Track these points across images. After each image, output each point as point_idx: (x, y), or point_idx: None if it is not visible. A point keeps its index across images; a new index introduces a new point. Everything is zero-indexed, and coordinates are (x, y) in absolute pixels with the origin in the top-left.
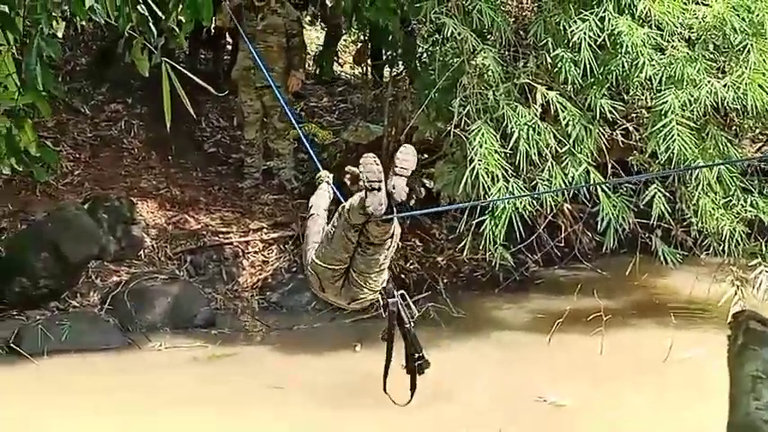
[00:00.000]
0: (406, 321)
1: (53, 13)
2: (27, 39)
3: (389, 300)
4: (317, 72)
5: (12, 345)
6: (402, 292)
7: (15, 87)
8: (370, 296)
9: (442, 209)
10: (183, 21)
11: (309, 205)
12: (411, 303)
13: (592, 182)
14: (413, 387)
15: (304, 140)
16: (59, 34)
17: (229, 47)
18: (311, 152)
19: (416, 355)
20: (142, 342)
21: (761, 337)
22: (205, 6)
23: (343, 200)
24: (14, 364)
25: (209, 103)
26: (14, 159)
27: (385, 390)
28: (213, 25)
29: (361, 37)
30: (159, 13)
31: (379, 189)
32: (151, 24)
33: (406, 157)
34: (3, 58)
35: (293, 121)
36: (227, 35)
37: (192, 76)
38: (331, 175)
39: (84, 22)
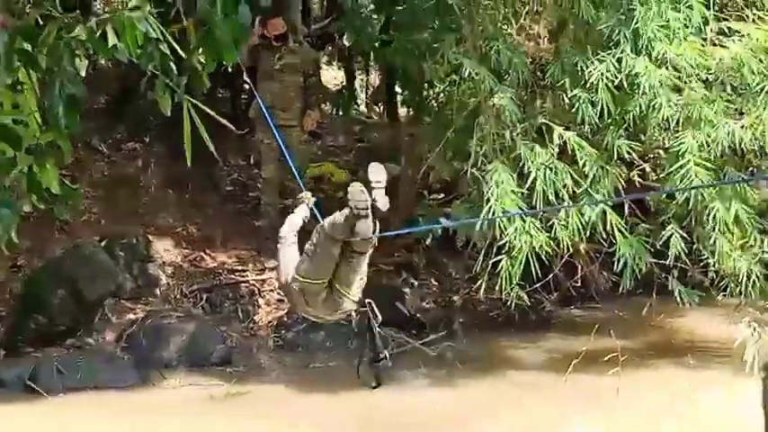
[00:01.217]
0: (374, 327)
1: (76, 51)
2: (46, 77)
3: (362, 307)
4: (337, 111)
5: (28, 382)
6: (369, 300)
7: (37, 125)
8: (350, 306)
9: (417, 229)
10: (205, 61)
11: (280, 233)
12: (377, 311)
13: (609, 222)
14: (378, 381)
15: (285, 154)
16: (82, 73)
17: (247, 86)
18: (295, 171)
19: (381, 354)
20: (157, 380)
21: None
22: (227, 48)
23: (320, 219)
24: (30, 401)
25: (227, 142)
26: (35, 197)
27: (358, 375)
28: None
29: (378, 77)
30: (181, 53)
31: (366, 216)
32: (172, 64)
33: (376, 171)
34: (25, 96)
35: (278, 139)
36: (245, 74)
37: (213, 113)
38: (313, 199)
39: (103, 61)
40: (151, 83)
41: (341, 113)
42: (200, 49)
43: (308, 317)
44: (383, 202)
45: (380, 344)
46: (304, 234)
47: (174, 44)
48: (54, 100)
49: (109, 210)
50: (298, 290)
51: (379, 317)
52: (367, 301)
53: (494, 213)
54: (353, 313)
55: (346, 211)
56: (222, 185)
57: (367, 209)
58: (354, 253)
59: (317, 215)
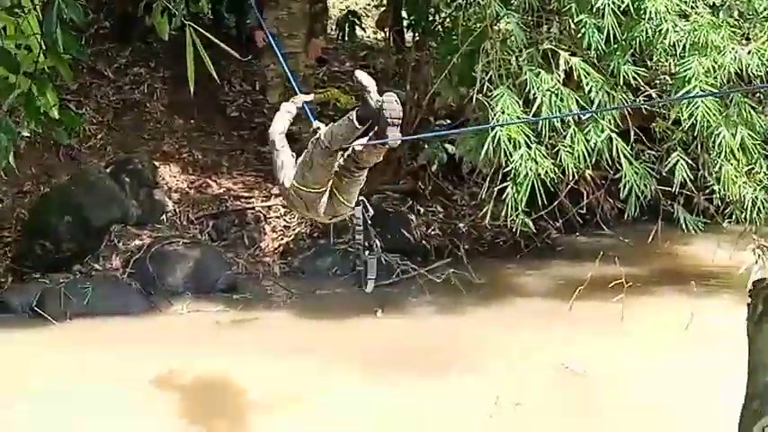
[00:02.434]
0: (367, 221)
1: None
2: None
3: (356, 207)
4: (342, 37)
5: (35, 308)
6: (362, 198)
7: (40, 49)
8: (348, 211)
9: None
10: None
11: (270, 134)
12: (368, 206)
13: (615, 149)
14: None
15: (291, 79)
16: None
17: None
18: (291, 78)
19: (373, 247)
20: (164, 306)
21: None
22: None
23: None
24: (37, 326)
25: (233, 67)
26: (35, 122)
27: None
28: None
29: (384, 1)
30: None
31: (397, 126)
32: None
33: (392, 107)
34: (26, 19)
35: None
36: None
37: (215, 40)
38: (308, 97)
39: None
40: (150, 6)
41: (346, 39)
42: None
43: (306, 218)
44: (395, 137)
45: (373, 237)
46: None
47: None
48: (51, 24)
49: (114, 136)
50: (296, 195)
51: (371, 211)
52: (360, 198)
53: (499, 140)
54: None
55: (345, 120)
56: (228, 111)
57: (400, 119)
58: (358, 168)
59: (309, 115)
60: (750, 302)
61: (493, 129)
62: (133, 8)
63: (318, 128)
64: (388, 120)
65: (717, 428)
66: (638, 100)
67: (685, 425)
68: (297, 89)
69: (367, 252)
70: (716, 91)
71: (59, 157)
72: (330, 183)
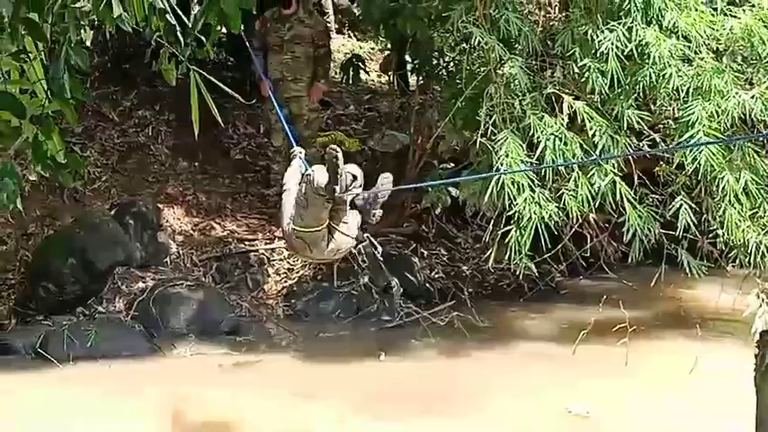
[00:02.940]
0: (378, 258)
1: (81, 22)
2: (55, 46)
3: (361, 243)
4: (347, 80)
5: (38, 349)
6: (367, 234)
7: (44, 94)
8: (349, 242)
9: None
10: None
11: (284, 181)
12: (376, 243)
13: (618, 193)
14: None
15: (278, 112)
16: (88, 42)
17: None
18: (286, 128)
19: (391, 284)
20: (167, 348)
21: None
22: (233, 15)
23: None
24: (40, 369)
25: (237, 111)
26: (41, 166)
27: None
28: (240, 31)
29: (388, 45)
30: (187, 21)
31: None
32: (179, 33)
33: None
34: (30, 66)
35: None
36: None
37: (220, 84)
38: (303, 151)
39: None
40: (156, 53)
41: (350, 82)
42: (206, 17)
43: (311, 261)
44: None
45: (387, 273)
46: None
47: (180, 13)
48: (59, 70)
49: (119, 178)
50: (300, 240)
51: (380, 248)
52: (365, 235)
53: (503, 184)
54: (353, 249)
55: (324, 178)
56: (232, 154)
57: (384, 198)
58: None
59: (305, 166)
60: (758, 353)
61: (496, 173)
62: (136, 51)
63: (310, 174)
64: (379, 196)
65: None
66: (641, 145)
67: None
68: (291, 137)
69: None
70: (719, 138)
71: (64, 199)
72: (327, 220)
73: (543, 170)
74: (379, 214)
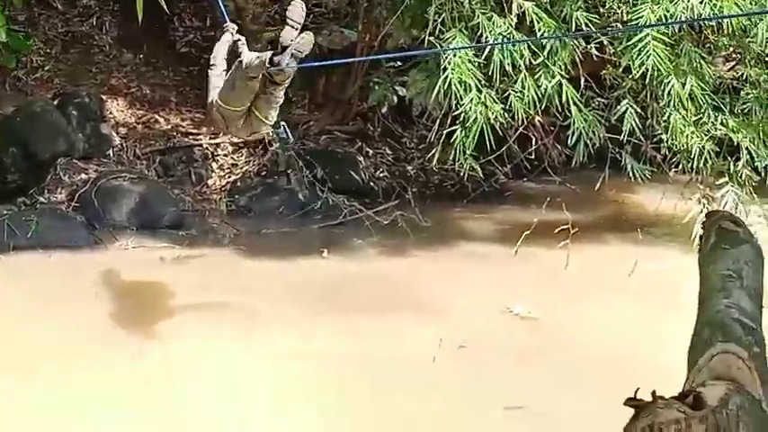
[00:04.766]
0: (290, 145)
1: None
2: None
3: (278, 129)
4: None
5: None
6: (283, 122)
7: None
8: (266, 129)
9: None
10: None
11: (212, 55)
12: (288, 132)
13: (565, 95)
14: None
15: (220, 4)
16: None
17: None
18: (221, 6)
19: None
20: (109, 241)
21: (733, 236)
22: None
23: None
24: None
25: (183, 3)
26: None
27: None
28: None
29: None
30: None
31: (296, 29)
32: None
33: (294, 10)
34: None
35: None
36: None
37: None
38: (235, 27)
39: None
40: None
41: None
42: None
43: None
44: (288, 37)
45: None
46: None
47: None
48: None
49: (62, 68)
50: (218, 114)
51: (291, 138)
52: (281, 122)
53: (450, 83)
54: (270, 133)
55: (263, 55)
56: (178, 47)
57: (299, 23)
58: (272, 84)
59: (224, 15)
60: (703, 233)
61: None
62: None
63: (229, 27)
64: (289, 22)
65: (664, 365)
66: (589, 48)
67: (630, 365)
68: (224, 13)
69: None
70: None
71: (5, 88)
72: (249, 103)
73: (491, 71)
74: (293, 66)
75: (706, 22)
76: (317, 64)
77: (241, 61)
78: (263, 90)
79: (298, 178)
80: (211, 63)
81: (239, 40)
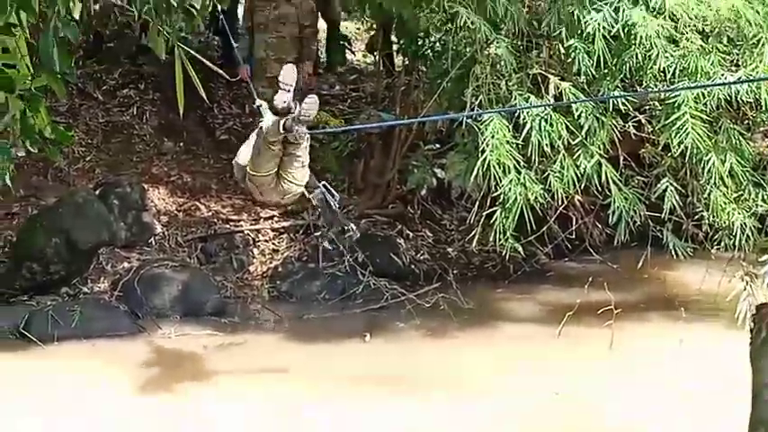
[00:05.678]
0: (333, 205)
1: None
2: (42, 21)
3: (315, 190)
4: (326, 63)
5: (22, 330)
6: (324, 183)
7: (27, 70)
8: (297, 189)
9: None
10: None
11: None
12: (333, 190)
13: (604, 174)
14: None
15: (253, 92)
16: (76, 15)
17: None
18: (253, 91)
19: (345, 229)
20: (152, 329)
21: None
22: None
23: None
24: (24, 349)
25: (223, 91)
26: (29, 141)
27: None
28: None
29: (374, 25)
30: None
31: (288, 90)
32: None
33: (286, 73)
34: (17, 41)
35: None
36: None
37: (206, 62)
38: (264, 103)
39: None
40: (145, 27)
41: (336, 63)
42: None
43: (263, 201)
44: (281, 99)
45: (343, 219)
46: None
47: None
48: (47, 42)
49: (103, 157)
50: (251, 182)
51: (336, 195)
52: (321, 183)
53: (489, 165)
54: (306, 193)
55: (275, 118)
56: (217, 134)
57: (290, 85)
58: (290, 144)
59: (254, 94)
60: (753, 327)
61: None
62: (120, 29)
63: (261, 105)
64: (281, 85)
65: None
66: (627, 126)
67: None
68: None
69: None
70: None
71: (48, 178)
72: (277, 166)
73: (529, 151)
74: (303, 131)
75: (743, 98)
76: (340, 129)
77: (261, 128)
78: (285, 152)
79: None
80: (250, 137)
81: (261, 105)
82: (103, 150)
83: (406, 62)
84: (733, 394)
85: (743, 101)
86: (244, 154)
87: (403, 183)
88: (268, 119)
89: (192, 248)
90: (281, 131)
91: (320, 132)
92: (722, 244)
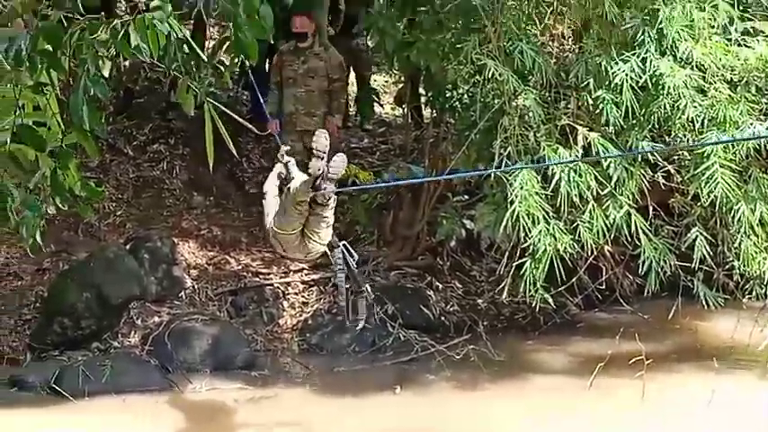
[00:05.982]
0: (351, 265)
1: (99, 53)
2: (72, 79)
3: (335, 249)
4: (357, 117)
5: (53, 385)
6: (344, 242)
7: (59, 127)
8: (321, 248)
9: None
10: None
11: (264, 188)
12: (352, 250)
13: (633, 225)
14: (355, 311)
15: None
16: (105, 73)
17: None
18: (277, 137)
19: (361, 289)
20: (182, 383)
21: None
22: (251, 46)
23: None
24: (56, 404)
25: (251, 144)
26: (59, 198)
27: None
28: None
29: (402, 78)
30: (203, 55)
31: (322, 158)
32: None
33: (319, 141)
34: (48, 99)
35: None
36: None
37: (235, 116)
38: (292, 159)
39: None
40: (174, 84)
41: (364, 116)
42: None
43: (286, 257)
44: (316, 167)
45: (360, 279)
46: None
47: (195, 46)
48: (78, 101)
49: (134, 212)
50: (276, 239)
51: (355, 255)
52: (342, 243)
53: (518, 216)
54: (328, 251)
55: (305, 177)
56: (247, 188)
57: (324, 152)
58: (317, 205)
59: (291, 171)
60: None
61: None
62: (150, 85)
63: (289, 161)
64: (315, 152)
65: None
66: (656, 177)
67: None
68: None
69: (352, 292)
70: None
71: (79, 233)
72: (301, 226)
73: (558, 202)
74: (331, 189)
75: None
76: (370, 186)
77: (289, 188)
78: (311, 212)
79: (368, 305)
80: (264, 191)
81: (289, 161)
82: (134, 205)
83: (435, 114)
84: None
85: None
86: (269, 208)
87: (432, 234)
88: (297, 178)
89: (222, 302)
90: (310, 191)
91: (349, 190)
92: (753, 293)
